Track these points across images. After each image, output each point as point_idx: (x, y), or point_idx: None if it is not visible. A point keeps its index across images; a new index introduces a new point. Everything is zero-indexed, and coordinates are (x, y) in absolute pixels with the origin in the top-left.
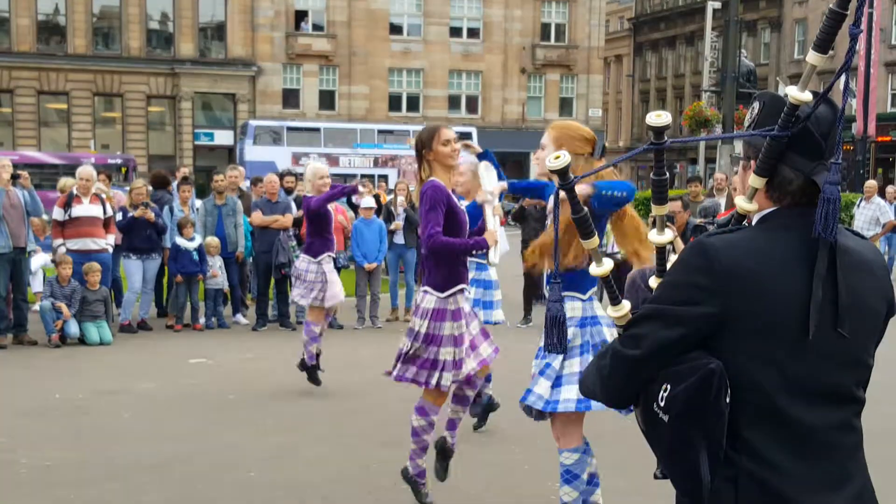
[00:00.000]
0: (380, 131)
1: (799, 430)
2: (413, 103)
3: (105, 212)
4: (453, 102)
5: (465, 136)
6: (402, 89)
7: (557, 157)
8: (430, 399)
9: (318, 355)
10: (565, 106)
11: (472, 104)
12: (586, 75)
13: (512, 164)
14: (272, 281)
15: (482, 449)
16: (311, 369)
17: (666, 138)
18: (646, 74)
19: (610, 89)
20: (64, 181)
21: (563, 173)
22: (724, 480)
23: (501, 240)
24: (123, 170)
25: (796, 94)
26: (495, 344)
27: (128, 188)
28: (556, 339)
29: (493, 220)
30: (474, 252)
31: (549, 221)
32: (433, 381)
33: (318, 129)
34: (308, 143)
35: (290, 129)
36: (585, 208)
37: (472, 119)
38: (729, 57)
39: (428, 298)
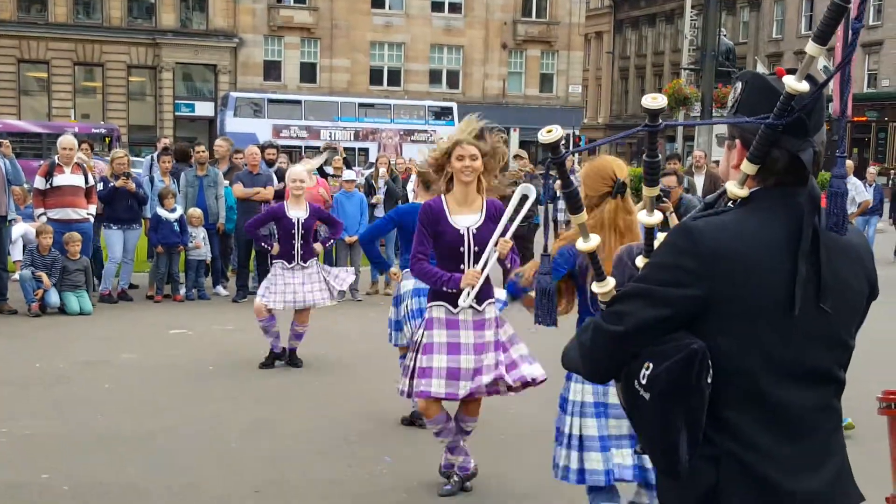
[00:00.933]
0: (361, 105)
1: (781, 411)
2: (394, 77)
3: (87, 181)
4: (434, 77)
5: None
6: (383, 63)
7: (550, 131)
8: (421, 408)
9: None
10: (546, 82)
11: (452, 79)
12: (567, 52)
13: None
14: (253, 253)
15: None
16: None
17: (661, 120)
18: (626, 51)
19: (590, 66)
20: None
21: (554, 147)
22: (705, 460)
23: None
24: (107, 139)
25: (794, 84)
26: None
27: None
28: (546, 311)
29: (484, 263)
30: (447, 288)
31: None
32: (405, 389)
33: (298, 102)
34: (289, 116)
35: (271, 101)
36: (575, 183)
37: (453, 94)
38: (708, 35)
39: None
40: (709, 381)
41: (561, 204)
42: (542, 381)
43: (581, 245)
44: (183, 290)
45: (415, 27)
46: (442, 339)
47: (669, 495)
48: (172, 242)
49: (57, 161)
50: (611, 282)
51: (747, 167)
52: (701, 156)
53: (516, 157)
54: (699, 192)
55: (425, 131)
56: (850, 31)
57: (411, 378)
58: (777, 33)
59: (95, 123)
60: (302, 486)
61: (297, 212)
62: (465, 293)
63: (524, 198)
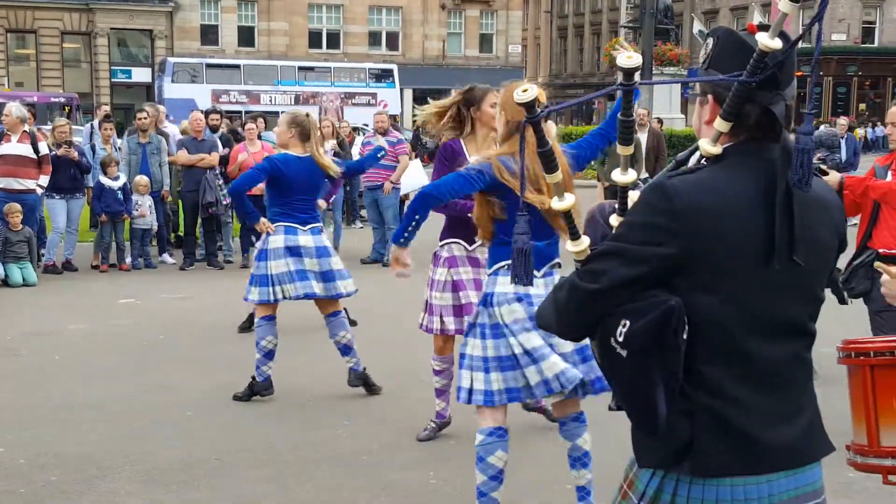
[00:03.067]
0: (300, 68)
1: (755, 363)
2: (333, 40)
3: (38, 151)
4: (374, 39)
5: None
6: (322, 25)
7: (525, 91)
8: (435, 346)
9: None
10: (485, 42)
11: (392, 41)
12: (505, 11)
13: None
14: (199, 220)
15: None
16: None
17: (635, 78)
18: (564, 10)
19: (529, 25)
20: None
21: (529, 106)
22: (680, 414)
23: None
24: (67, 108)
25: (767, 41)
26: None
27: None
28: (522, 271)
29: None
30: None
31: None
32: (422, 323)
33: (237, 67)
34: (228, 81)
35: (209, 66)
36: (550, 142)
37: (393, 56)
38: None
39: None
40: (684, 337)
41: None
42: None
43: (556, 204)
44: (129, 259)
45: None
46: (469, 277)
47: (644, 451)
48: (116, 211)
49: (4, 130)
50: (585, 240)
51: (721, 125)
52: (643, 114)
53: None
54: (643, 148)
55: (366, 94)
56: None
57: (432, 313)
58: None
59: (55, 93)
60: (263, 453)
61: None
62: None
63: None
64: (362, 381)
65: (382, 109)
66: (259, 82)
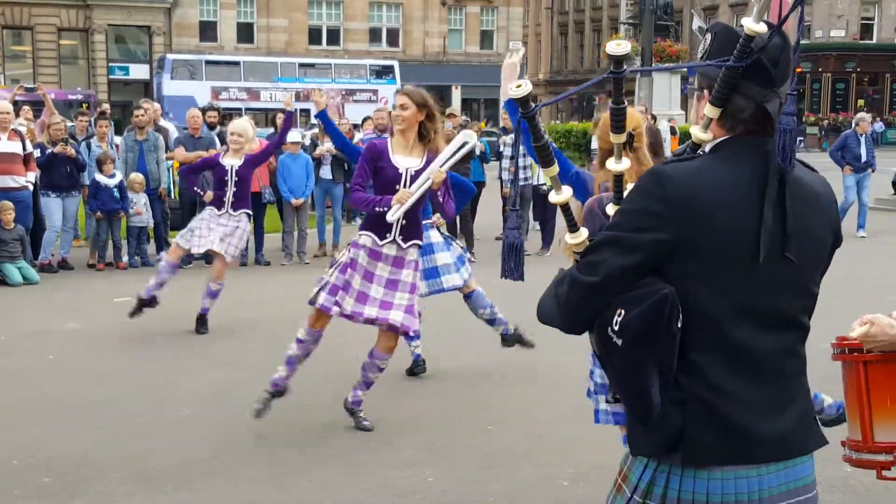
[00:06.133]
0: (300, 65)
1: (747, 355)
2: (333, 36)
3: (25, 148)
4: (374, 35)
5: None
6: (321, 22)
7: (519, 86)
8: (309, 320)
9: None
10: (486, 39)
11: (393, 37)
12: (506, 8)
13: (434, 97)
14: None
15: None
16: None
17: (624, 67)
18: (564, 7)
19: (529, 22)
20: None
21: (524, 102)
22: (672, 404)
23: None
24: (85, 105)
25: (752, 25)
26: (414, 321)
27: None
28: (513, 266)
29: (417, 187)
30: (379, 208)
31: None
32: (311, 296)
33: (237, 63)
34: (227, 78)
35: (208, 62)
36: (547, 137)
37: (394, 52)
38: None
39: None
40: (679, 325)
41: (505, 163)
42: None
43: (553, 198)
44: (126, 258)
45: None
46: (363, 263)
47: (638, 440)
48: (112, 209)
49: None
50: (584, 232)
51: (710, 111)
52: (642, 110)
53: (449, 115)
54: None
55: (367, 90)
56: None
57: (322, 290)
58: None
59: (72, 89)
60: (258, 451)
61: (231, 160)
62: (394, 209)
63: (465, 143)
64: (516, 340)
65: (383, 106)
66: (259, 79)
